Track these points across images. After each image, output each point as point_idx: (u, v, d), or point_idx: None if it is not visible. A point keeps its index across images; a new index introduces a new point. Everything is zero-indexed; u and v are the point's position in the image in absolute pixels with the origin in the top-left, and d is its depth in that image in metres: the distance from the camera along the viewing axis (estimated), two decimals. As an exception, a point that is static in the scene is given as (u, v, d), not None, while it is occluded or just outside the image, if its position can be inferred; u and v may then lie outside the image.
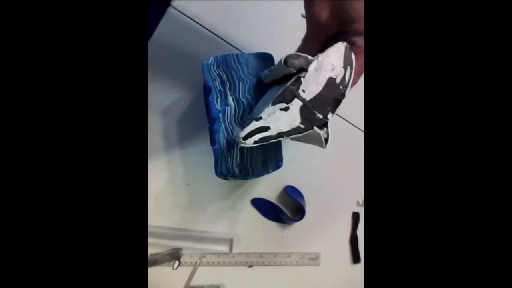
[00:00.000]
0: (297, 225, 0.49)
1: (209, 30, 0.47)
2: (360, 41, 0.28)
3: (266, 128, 0.29)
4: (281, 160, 0.40)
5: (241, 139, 0.29)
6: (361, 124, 0.50)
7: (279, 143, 0.39)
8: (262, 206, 0.48)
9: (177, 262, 0.47)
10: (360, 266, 0.50)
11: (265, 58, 0.36)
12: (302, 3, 0.30)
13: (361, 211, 0.50)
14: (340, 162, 0.50)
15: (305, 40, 0.31)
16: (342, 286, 0.51)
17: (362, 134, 0.50)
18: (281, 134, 0.29)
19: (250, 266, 0.48)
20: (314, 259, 0.49)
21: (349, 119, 0.50)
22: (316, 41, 0.30)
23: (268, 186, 0.49)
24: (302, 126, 0.29)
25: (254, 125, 0.29)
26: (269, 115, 0.29)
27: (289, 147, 0.44)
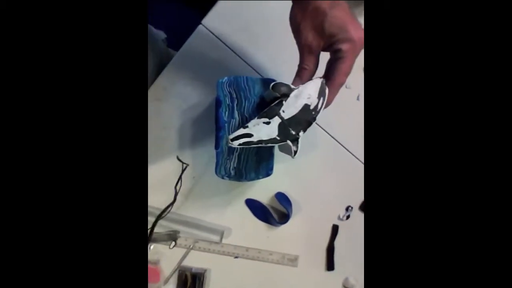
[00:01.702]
0: (282, 227, 0.55)
1: (230, 48, 0.54)
2: (345, 47, 0.34)
3: (249, 135, 0.38)
4: (271, 169, 0.46)
5: (229, 139, 0.37)
6: (355, 152, 0.56)
7: (272, 155, 0.46)
8: (254, 206, 0.55)
9: (173, 243, 0.54)
10: (333, 274, 0.56)
11: (269, 83, 0.43)
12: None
13: (341, 224, 0.56)
14: (329, 180, 0.55)
15: (301, 63, 0.38)
16: (314, 288, 0.57)
17: (355, 159, 0.56)
18: (260, 142, 0.37)
19: (236, 257, 0.55)
20: (293, 260, 0.55)
21: (344, 144, 0.56)
22: (311, 59, 0.37)
23: (262, 190, 0.55)
24: (278, 138, 0.38)
25: (241, 131, 0.38)
26: (254, 125, 0.38)
27: (288, 161, 0.50)
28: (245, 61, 0.54)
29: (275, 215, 0.54)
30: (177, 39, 0.61)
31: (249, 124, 0.38)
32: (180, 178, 0.50)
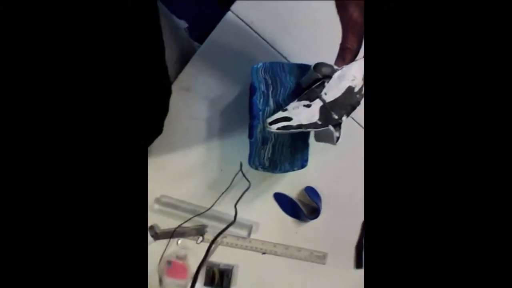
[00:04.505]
0: (311, 223, 0.53)
1: (259, 36, 0.52)
2: None
3: (288, 118, 0.35)
4: (306, 160, 0.44)
5: (267, 123, 0.35)
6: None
7: (307, 145, 0.44)
8: (283, 200, 0.53)
9: (201, 238, 0.53)
10: (362, 272, 0.54)
11: (306, 69, 0.41)
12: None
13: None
14: (360, 174, 0.53)
15: (344, 43, 0.35)
16: (343, 287, 0.54)
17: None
18: (300, 126, 0.35)
19: (264, 253, 0.53)
20: (322, 257, 0.53)
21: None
22: (355, 38, 0.34)
23: (291, 184, 0.53)
24: (319, 123, 0.35)
25: (280, 114, 0.35)
26: (293, 108, 0.35)
27: (316, 153, 0.48)
28: (275, 49, 0.52)
29: (304, 210, 0.52)
30: (198, 30, 0.60)
31: (288, 107, 0.35)
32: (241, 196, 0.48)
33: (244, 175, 0.49)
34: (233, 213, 0.52)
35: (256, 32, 0.52)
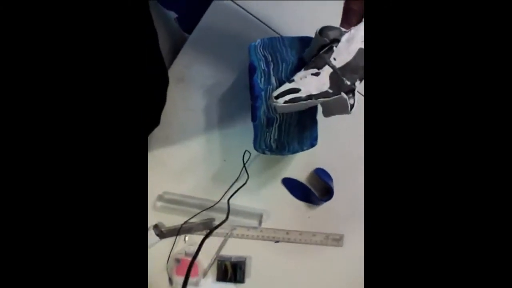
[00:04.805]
0: (323, 206, 0.51)
1: (252, 15, 0.50)
2: None
3: (296, 90, 0.32)
4: (315, 139, 0.42)
5: (273, 98, 0.32)
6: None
7: (316, 122, 0.42)
8: (292, 185, 0.51)
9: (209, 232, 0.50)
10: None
11: (308, 41, 0.38)
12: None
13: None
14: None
15: (348, 4, 0.32)
16: (363, 268, 0.53)
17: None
18: (310, 97, 0.32)
19: (277, 241, 0.51)
20: (338, 240, 0.51)
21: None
22: (356, 11, 0.32)
23: (298, 167, 0.51)
24: (331, 91, 0.32)
25: (286, 86, 0.32)
26: (300, 79, 0.32)
27: (322, 132, 0.46)
28: (270, 27, 0.50)
29: (316, 193, 0.50)
30: (188, 21, 0.57)
31: (295, 78, 0.33)
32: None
33: (245, 168, 0.47)
34: (242, 202, 0.50)
35: (247, 11, 0.50)
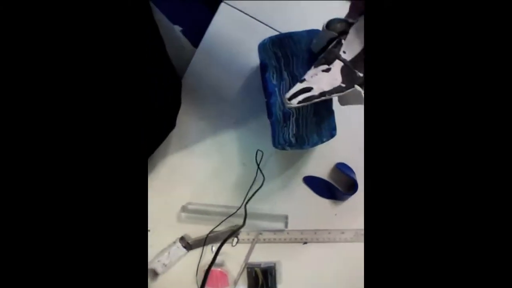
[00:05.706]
0: (349, 201, 0.50)
1: (258, 20, 0.51)
2: None
3: (309, 89, 0.32)
4: (334, 129, 0.41)
5: (286, 100, 0.32)
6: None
7: (332, 112, 0.41)
8: (314, 183, 0.50)
9: (235, 239, 0.49)
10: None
11: (315, 34, 0.39)
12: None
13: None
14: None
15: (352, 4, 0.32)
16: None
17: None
18: (323, 94, 0.32)
19: (305, 243, 0.50)
20: (368, 235, 0.50)
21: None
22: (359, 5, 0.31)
23: (318, 164, 0.50)
24: (343, 85, 0.32)
25: (298, 86, 0.32)
26: (311, 77, 0.32)
27: (339, 126, 0.46)
28: (274, 29, 0.50)
29: (340, 188, 0.49)
30: (194, 35, 0.59)
31: (306, 77, 0.32)
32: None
33: (259, 169, 0.46)
34: (265, 206, 0.49)
35: (252, 17, 0.50)
